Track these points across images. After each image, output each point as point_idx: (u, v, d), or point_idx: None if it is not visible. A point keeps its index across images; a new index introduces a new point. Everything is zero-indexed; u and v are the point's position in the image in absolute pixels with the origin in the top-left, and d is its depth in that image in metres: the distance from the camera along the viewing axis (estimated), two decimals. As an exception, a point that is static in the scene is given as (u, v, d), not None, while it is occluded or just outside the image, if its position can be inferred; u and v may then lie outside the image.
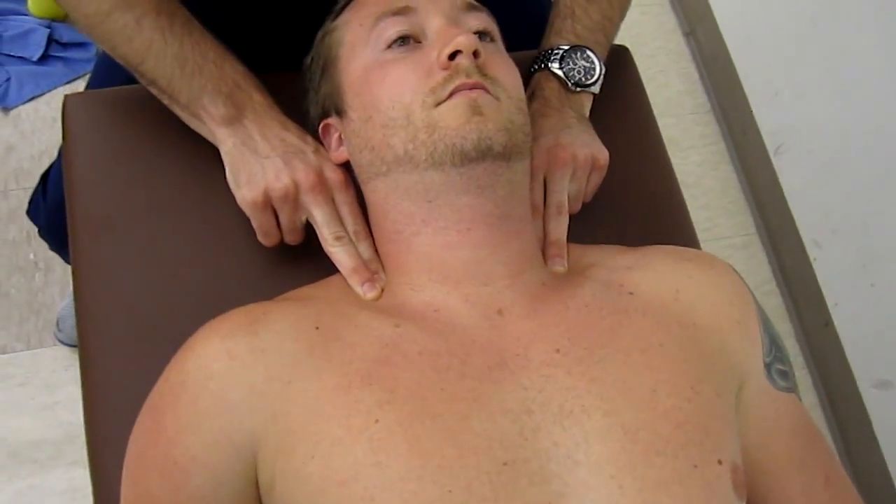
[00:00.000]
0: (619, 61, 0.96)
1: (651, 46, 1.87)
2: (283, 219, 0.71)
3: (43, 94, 1.61)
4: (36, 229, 1.17)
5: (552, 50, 0.80)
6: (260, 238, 0.72)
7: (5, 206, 1.50)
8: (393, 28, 0.65)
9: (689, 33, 1.89)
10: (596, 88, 0.81)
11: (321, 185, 0.70)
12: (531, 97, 0.79)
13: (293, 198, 0.69)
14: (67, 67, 1.64)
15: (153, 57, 0.70)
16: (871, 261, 1.43)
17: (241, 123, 0.71)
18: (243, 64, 0.74)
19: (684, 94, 1.85)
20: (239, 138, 0.71)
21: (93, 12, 0.68)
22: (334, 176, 0.70)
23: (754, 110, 1.68)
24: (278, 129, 0.72)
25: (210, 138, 0.73)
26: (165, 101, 0.73)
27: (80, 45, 1.65)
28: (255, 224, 0.71)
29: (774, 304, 1.67)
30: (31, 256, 1.47)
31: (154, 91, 0.73)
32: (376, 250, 0.70)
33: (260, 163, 0.69)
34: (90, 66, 1.64)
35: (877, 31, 1.37)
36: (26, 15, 1.64)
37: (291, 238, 0.72)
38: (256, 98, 0.73)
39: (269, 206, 0.70)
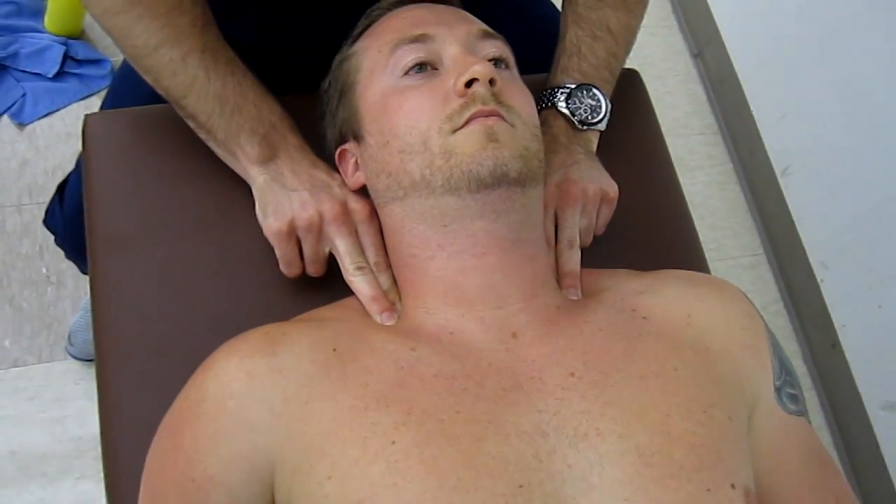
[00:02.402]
0: (629, 84, 0.97)
1: (659, 68, 1.89)
2: (307, 249, 0.72)
3: (58, 110, 1.62)
4: (49, 243, 1.18)
5: (559, 88, 0.81)
6: (283, 268, 0.74)
7: (19, 221, 1.52)
8: (411, 55, 0.66)
9: (697, 55, 1.91)
10: (602, 126, 0.81)
11: (345, 216, 0.71)
12: None
13: (317, 228, 0.71)
14: (82, 84, 1.65)
15: (195, 93, 0.71)
16: (879, 282, 1.43)
17: (274, 163, 0.73)
18: (280, 105, 0.75)
19: (692, 115, 1.86)
20: (270, 175, 0.72)
21: (141, 45, 0.70)
22: (358, 207, 0.72)
23: (762, 131, 1.69)
24: (307, 166, 0.73)
25: (243, 175, 0.75)
26: (202, 136, 0.74)
27: (95, 61, 1.67)
28: (278, 254, 0.73)
29: (782, 325, 1.67)
30: (44, 270, 1.48)
31: (191, 124, 0.74)
32: (395, 280, 0.71)
33: (287, 195, 0.71)
34: (105, 83, 1.66)
35: (884, 53, 1.38)
36: (43, 32, 1.66)
37: (314, 269, 0.73)
38: (291, 140, 0.74)
39: (293, 236, 0.71)
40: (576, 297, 0.70)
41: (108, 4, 0.68)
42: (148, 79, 0.73)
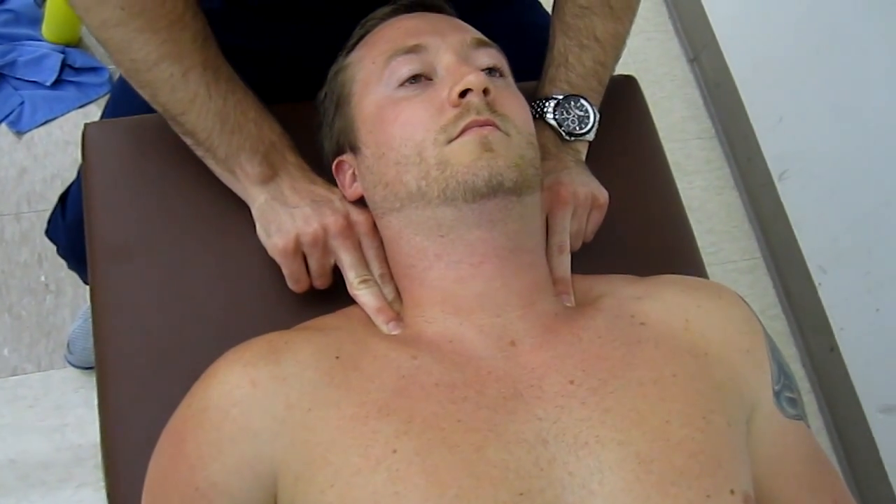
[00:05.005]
0: (627, 89, 0.97)
1: (656, 73, 1.90)
2: (313, 263, 0.72)
3: (56, 118, 1.62)
4: (48, 251, 1.18)
5: (546, 99, 0.81)
6: (290, 285, 0.74)
7: (18, 229, 1.52)
8: (405, 66, 0.66)
9: (694, 60, 1.92)
10: (590, 136, 0.81)
11: (348, 229, 0.71)
12: None
13: (322, 242, 0.71)
14: (80, 92, 1.66)
15: (195, 110, 0.71)
16: (877, 286, 1.44)
17: (275, 182, 0.73)
18: (279, 124, 0.76)
19: (689, 119, 1.87)
20: (270, 195, 0.73)
21: (140, 59, 0.69)
22: (361, 220, 0.72)
23: (759, 136, 1.70)
24: (306, 183, 0.74)
25: (242, 195, 0.75)
26: (199, 153, 0.74)
27: (93, 69, 1.67)
28: (285, 271, 0.73)
29: (780, 329, 1.68)
30: (43, 279, 1.48)
31: (188, 141, 0.74)
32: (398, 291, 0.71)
33: (289, 212, 0.71)
34: (103, 91, 1.66)
35: (880, 57, 1.38)
36: (41, 40, 1.66)
37: (320, 282, 0.74)
38: (290, 159, 0.75)
39: (299, 252, 0.72)
40: (569, 304, 0.71)
41: (107, 16, 0.67)
42: (145, 94, 0.72)
